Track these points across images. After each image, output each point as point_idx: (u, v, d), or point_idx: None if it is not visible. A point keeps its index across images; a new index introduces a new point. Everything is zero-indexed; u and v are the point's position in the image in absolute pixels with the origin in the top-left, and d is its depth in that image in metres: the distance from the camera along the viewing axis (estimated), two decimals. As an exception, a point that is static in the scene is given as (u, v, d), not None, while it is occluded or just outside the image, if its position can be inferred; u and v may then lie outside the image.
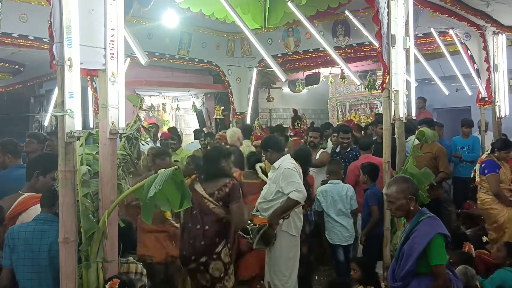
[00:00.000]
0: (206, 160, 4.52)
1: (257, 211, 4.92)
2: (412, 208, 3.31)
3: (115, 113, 2.90)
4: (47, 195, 3.13)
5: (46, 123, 11.13)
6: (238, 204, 4.19)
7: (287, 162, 4.82)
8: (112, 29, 2.88)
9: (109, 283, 2.79)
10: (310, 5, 6.98)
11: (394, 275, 3.35)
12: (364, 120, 12.30)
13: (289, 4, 6.48)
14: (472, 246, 5.19)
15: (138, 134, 3.21)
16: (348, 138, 6.88)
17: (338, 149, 7.06)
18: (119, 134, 2.94)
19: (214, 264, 4.12)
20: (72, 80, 2.60)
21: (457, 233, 5.64)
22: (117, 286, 2.74)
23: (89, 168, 2.97)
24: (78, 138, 2.70)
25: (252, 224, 4.76)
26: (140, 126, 3.23)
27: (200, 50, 9.48)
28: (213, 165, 4.32)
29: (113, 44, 2.89)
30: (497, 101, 8.04)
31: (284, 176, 4.69)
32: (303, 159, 5.17)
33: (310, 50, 9.35)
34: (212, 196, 4.20)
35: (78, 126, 2.62)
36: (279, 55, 9.59)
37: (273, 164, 4.88)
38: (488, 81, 7.90)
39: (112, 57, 2.88)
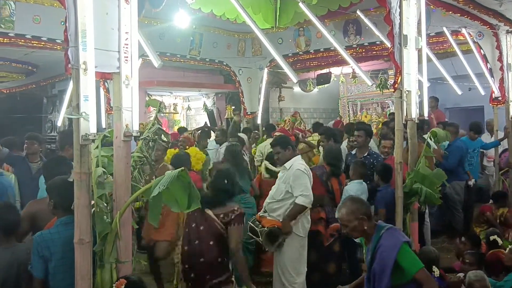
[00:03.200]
0: (214, 186, 4.15)
1: (265, 211, 4.93)
2: (366, 227, 3.23)
3: (129, 116, 2.92)
4: (70, 198, 3.15)
5: (59, 123, 11.23)
6: (237, 227, 3.90)
7: (298, 163, 4.83)
8: (126, 32, 2.91)
9: (116, 282, 2.81)
10: (321, 5, 6.97)
11: None
12: (376, 119, 12.25)
13: (300, 4, 6.48)
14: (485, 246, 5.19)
15: (156, 136, 3.23)
16: (360, 136, 6.13)
17: (354, 152, 6.40)
18: (133, 137, 2.97)
19: None
20: (87, 84, 2.63)
21: (472, 234, 5.61)
22: (123, 287, 2.73)
23: (104, 170, 3.00)
24: (93, 141, 2.73)
25: (260, 225, 4.78)
26: (159, 128, 3.25)
27: (211, 50, 9.51)
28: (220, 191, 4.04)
29: (127, 48, 2.91)
30: (511, 101, 7.97)
31: (294, 176, 4.70)
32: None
33: (321, 50, 9.33)
34: (218, 218, 3.91)
35: (93, 129, 2.66)
36: (290, 54, 9.58)
37: (284, 164, 4.89)
38: (502, 81, 7.83)
39: (126, 60, 2.91)
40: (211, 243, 3.83)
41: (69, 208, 3.08)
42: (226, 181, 4.03)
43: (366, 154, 6.07)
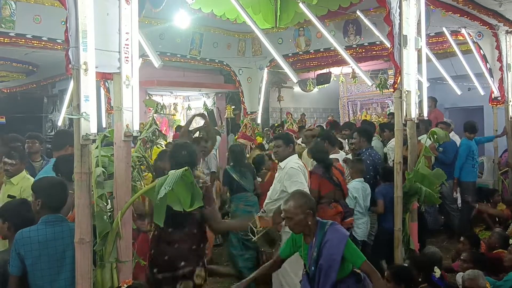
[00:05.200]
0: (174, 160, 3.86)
1: (264, 211, 4.95)
2: (310, 223, 3.27)
3: (129, 116, 2.93)
4: (57, 198, 3.18)
5: (59, 123, 11.24)
6: (212, 208, 3.90)
7: (292, 162, 4.82)
8: (126, 33, 2.92)
9: (123, 281, 2.84)
10: (321, 5, 6.98)
11: None
12: (376, 119, 12.26)
13: (301, 4, 6.49)
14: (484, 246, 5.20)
15: (154, 137, 3.24)
16: (353, 138, 6.25)
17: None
18: (133, 137, 2.98)
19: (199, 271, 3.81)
20: (88, 84, 2.65)
21: (472, 234, 5.63)
22: (125, 286, 2.75)
23: (104, 169, 3.01)
24: (94, 141, 2.74)
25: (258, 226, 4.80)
26: (156, 129, 3.26)
27: (211, 50, 9.51)
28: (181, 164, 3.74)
29: (127, 48, 2.93)
30: (510, 101, 7.98)
31: (288, 175, 4.70)
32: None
33: (321, 50, 9.32)
34: None
35: (93, 129, 2.67)
36: (290, 54, 9.58)
37: (279, 164, 4.90)
38: (501, 81, 7.85)
39: (126, 60, 2.92)
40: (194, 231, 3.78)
41: (55, 208, 3.11)
42: (184, 153, 3.78)
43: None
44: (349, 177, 5.80)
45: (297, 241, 3.45)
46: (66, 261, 3.01)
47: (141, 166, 3.59)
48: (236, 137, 7.91)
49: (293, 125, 10.20)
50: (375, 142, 7.13)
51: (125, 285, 2.75)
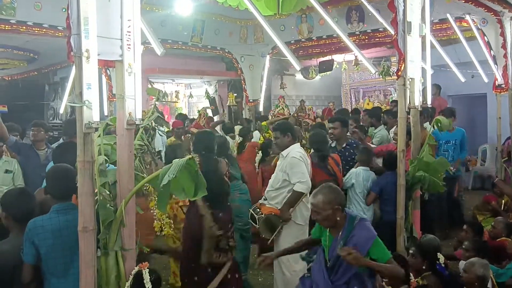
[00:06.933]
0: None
1: (265, 199, 4.95)
2: (339, 218, 3.21)
3: (132, 104, 2.90)
4: (63, 185, 3.17)
5: (61, 110, 11.24)
6: None
7: (294, 151, 4.80)
8: (128, 20, 2.88)
9: (139, 264, 2.88)
10: (324, -8, 6.93)
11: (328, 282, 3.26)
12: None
13: (304, -9, 6.43)
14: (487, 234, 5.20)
15: (156, 125, 3.22)
16: (335, 128, 5.78)
17: (334, 144, 5.89)
18: (136, 125, 2.96)
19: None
20: (90, 72, 2.61)
21: (475, 222, 5.63)
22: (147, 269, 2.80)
23: (107, 158, 3.00)
24: (96, 129, 2.72)
25: (260, 212, 4.81)
26: (158, 117, 3.24)
27: (213, 37, 9.47)
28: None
29: (129, 35, 2.89)
30: (514, 88, 7.94)
31: (290, 165, 4.69)
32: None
33: (324, 37, 9.29)
34: None
35: (96, 117, 2.64)
36: (292, 41, 9.53)
37: (282, 153, 4.89)
38: (505, 68, 7.80)
39: (128, 48, 2.88)
40: None
41: (61, 196, 3.11)
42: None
43: (344, 145, 5.82)
44: None
45: (322, 228, 3.42)
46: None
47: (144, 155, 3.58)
48: (189, 127, 7.86)
49: (284, 109, 10.19)
50: (381, 130, 7.10)
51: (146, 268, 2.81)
